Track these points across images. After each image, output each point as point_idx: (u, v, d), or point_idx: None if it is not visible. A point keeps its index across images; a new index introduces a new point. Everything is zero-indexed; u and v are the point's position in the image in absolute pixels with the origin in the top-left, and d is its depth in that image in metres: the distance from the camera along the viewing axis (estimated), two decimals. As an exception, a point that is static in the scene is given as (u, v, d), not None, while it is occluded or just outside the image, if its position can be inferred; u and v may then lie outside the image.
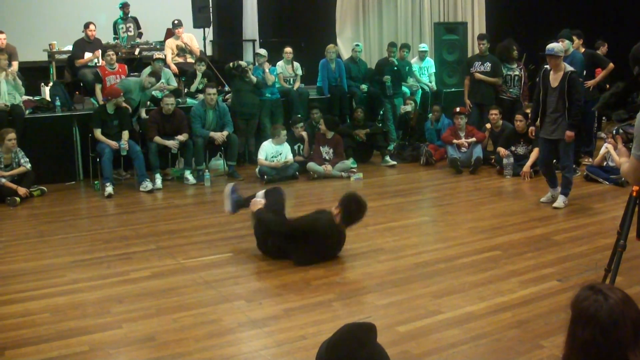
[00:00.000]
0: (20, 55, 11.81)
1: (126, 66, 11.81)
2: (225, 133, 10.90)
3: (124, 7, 13.50)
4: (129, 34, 13.47)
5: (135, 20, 13.71)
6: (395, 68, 13.08)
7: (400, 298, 5.53)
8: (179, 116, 10.73)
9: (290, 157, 10.80)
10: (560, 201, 8.55)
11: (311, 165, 10.80)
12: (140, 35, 13.78)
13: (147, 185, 10.15)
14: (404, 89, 13.52)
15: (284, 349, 4.61)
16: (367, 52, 16.02)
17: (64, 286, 6.01)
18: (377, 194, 9.57)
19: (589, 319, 2.30)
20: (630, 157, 4.05)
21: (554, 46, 8.32)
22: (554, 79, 8.24)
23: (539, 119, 8.62)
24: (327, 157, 11.02)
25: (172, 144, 10.48)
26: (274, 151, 10.70)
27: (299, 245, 6.47)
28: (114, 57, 11.52)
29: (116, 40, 13.26)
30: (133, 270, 6.42)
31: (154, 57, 11.81)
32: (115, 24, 13.47)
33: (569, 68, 8.31)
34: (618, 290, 2.38)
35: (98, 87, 11.28)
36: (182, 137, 10.55)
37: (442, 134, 11.82)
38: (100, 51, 12.03)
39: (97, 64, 11.85)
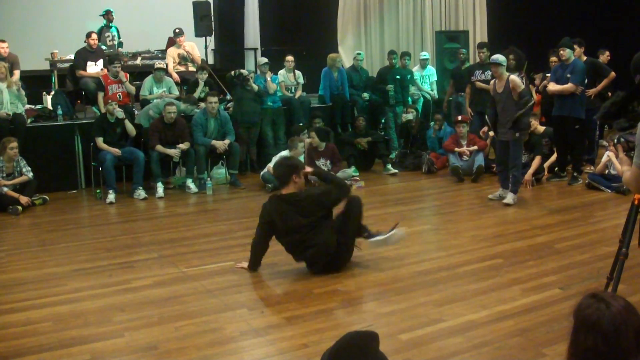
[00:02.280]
0: (23, 64, 11.83)
1: (129, 75, 11.81)
2: (227, 142, 10.91)
3: (107, 14, 13.51)
4: (108, 42, 13.49)
5: (116, 30, 13.74)
6: (398, 77, 13.09)
7: (402, 306, 5.52)
8: (180, 125, 10.74)
9: None
10: (510, 198, 9.11)
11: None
12: (120, 44, 13.76)
13: (141, 193, 10.19)
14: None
15: (286, 358, 4.61)
16: (369, 61, 16.05)
17: (66, 295, 6.01)
18: (378, 202, 9.58)
19: (591, 327, 2.31)
20: (632, 165, 4.05)
21: (497, 56, 9.15)
22: (499, 86, 9.04)
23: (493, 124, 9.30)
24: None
25: (173, 152, 10.49)
26: None
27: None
28: (120, 68, 11.52)
29: (111, 49, 13.29)
30: (135, 279, 6.42)
31: (155, 66, 11.84)
32: (100, 31, 13.45)
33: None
34: (620, 298, 2.38)
35: (100, 95, 11.29)
36: (183, 146, 10.56)
37: (443, 142, 11.82)
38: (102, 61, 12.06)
39: (100, 72, 11.84)
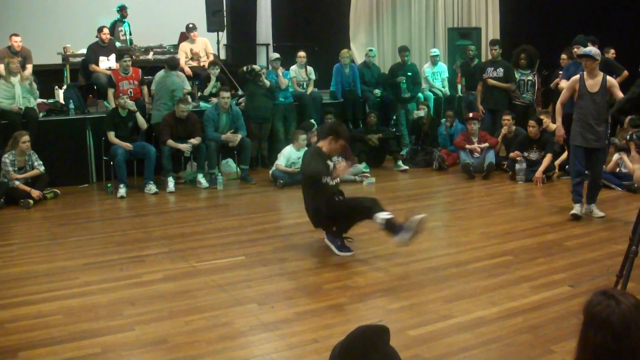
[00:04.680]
0: (35, 58, 11.84)
1: (140, 70, 11.83)
2: (238, 136, 10.92)
3: (122, 10, 13.55)
4: (121, 37, 13.53)
5: (128, 26, 13.78)
6: (410, 73, 13.08)
7: (412, 302, 5.53)
8: (192, 120, 10.75)
9: None
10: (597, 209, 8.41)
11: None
12: (131, 41, 13.78)
13: (151, 188, 10.22)
14: (419, 94, 13.53)
15: (295, 352, 4.62)
16: (381, 57, 16.03)
17: (77, 288, 6.04)
18: (389, 198, 9.57)
19: (601, 324, 2.31)
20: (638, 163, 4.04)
21: (591, 48, 8.23)
22: (593, 84, 8.04)
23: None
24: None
25: (185, 147, 10.51)
26: (295, 157, 10.64)
27: None
28: (130, 62, 11.54)
29: (123, 44, 13.32)
30: (145, 273, 6.45)
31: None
32: (114, 25, 13.48)
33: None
34: (630, 295, 2.38)
35: (111, 92, 11.29)
36: (195, 141, 10.57)
37: (455, 139, 11.81)
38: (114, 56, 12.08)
39: (111, 68, 11.85)
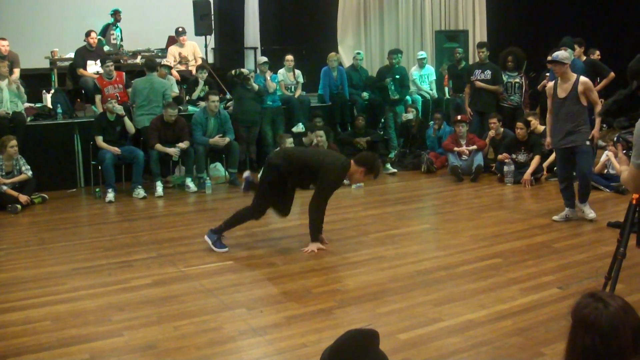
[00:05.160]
0: (22, 62, 11.83)
1: (124, 74, 11.79)
2: (226, 139, 10.91)
3: (116, 14, 13.53)
4: (112, 41, 13.50)
5: (120, 31, 13.75)
6: (398, 76, 13.09)
7: (401, 306, 5.53)
8: (180, 124, 10.74)
9: None
10: (590, 211, 8.36)
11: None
12: (121, 46, 13.74)
13: (140, 192, 10.19)
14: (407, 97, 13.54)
15: (285, 357, 4.61)
16: (368, 60, 16.04)
17: (65, 294, 6.01)
18: (378, 201, 9.58)
19: (589, 327, 2.31)
20: (630, 165, 4.06)
21: (558, 53, 8.15)
22: (563, 90, 8.01)
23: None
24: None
25: (173, 151, 10.50)
26: None
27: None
28: (113, 67, 11.51)
29: (113, 48, 13.29)
30: (134, 278, 6.42)
31: (162, 63, 11.83)
32: (106, 28, 13.45)
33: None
34: (618, 297, 2.38)
35: (98, 98, 11.26)
36: (183, 145, 10.56)
37: (443, 142, 11.83)
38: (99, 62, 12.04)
39: (99, 72, 11.81)
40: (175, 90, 12.02)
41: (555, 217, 8.33)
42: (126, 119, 10.52)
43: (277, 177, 7.12)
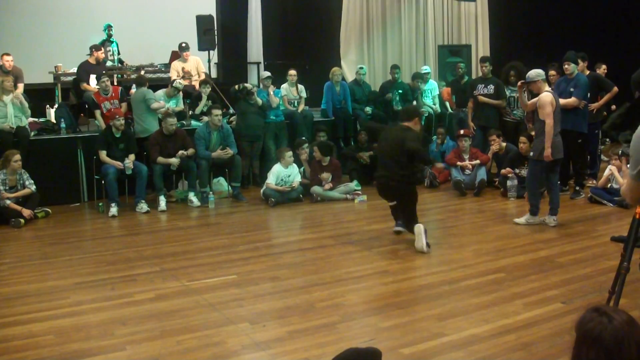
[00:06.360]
0: (26, 77, 11.88)
1: (120, 88, 11.81)
2: (229, 152, 10.93)
3: (108, 29, 13.55)
4: (109, 57, 13.51)
5: (116, 45, 13.77)
6: (400, 91, 13.10)
7: (404, 320, 5.51)
8: (181, 135, 10.76)
9: (298, 179, 10.78)
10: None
11: (315, 188, 10.77)
12: (120, 61, 13.76)
13: (143, 207, 10.19)
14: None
15: (287, 372, 4.60)
16: (371, 75, 16.10)
17: (68, 308, 6.00)
18: (381, 216, 9.56)
19: (593, 341, 2.30)
20: (627, 176, 4.06)
21: (530, 72, 8.78)
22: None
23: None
24: (324, 184, 10.98)
25: (174, 161, 10.49)
26: (284, 174, 10.69)
27: None
28: (109, 82, 11.51)
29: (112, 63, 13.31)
30: (137, 292, 6.42)
31: (174, 84, 11.77)
32: (102, 45, 13.48)
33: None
34: (623, 312, 2.38)
35: (97, 113, 11.28)
36: (188, 152, 10.60)
37: (446, 156, 11.83)
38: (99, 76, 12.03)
39: (96, 89, 11.80)
40: (180, 104, 12.03)
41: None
42: (132, 138, 10.54)
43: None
